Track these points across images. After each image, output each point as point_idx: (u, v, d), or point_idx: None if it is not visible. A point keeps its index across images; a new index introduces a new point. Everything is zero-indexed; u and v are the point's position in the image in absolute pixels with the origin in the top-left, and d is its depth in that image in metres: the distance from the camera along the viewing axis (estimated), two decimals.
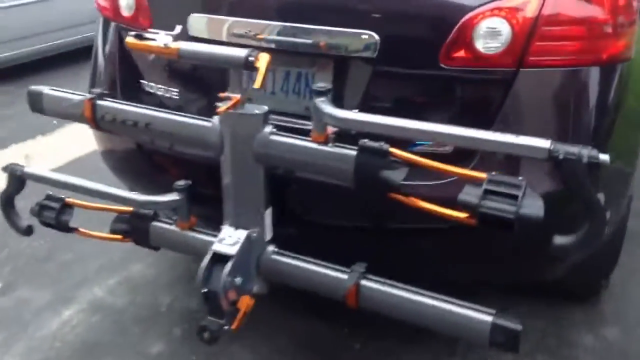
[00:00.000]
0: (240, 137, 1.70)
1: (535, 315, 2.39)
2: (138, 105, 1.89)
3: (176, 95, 2.06)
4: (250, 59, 1.59)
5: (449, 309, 1.61)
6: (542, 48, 1.64)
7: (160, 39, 1.66)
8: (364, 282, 1.70)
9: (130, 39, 1.72)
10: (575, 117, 1.69)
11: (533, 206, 1.36)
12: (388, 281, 1.70)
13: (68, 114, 1.98)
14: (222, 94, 1.64)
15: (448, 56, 1.67)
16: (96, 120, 1.91)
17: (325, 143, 1.62)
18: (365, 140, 1.56)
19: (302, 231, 1.98)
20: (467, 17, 1.64)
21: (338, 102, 1.80)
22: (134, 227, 2.02)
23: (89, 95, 1.91)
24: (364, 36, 1.71)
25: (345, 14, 1.78)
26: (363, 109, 1.78)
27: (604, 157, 1.31)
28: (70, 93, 1.98)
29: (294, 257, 1.81)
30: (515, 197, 1.37)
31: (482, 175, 1.43)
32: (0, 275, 2.75)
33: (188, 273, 2.63)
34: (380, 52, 1.72)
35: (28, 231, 2.15)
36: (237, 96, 1.62)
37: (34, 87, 2.02)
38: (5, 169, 2.08)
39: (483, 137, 1.41)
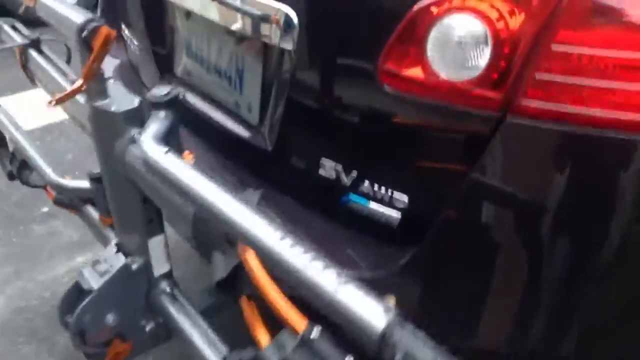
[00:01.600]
0: (105, 137, 1.20)
1: None
2: None
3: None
4: (84, 33, 1.06)
5: None
6: (555, 88, 0.82)
7: None
8: None
9: None
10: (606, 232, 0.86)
11: None
12: None
13: None
14: (69, 75, 1.15)
15: (389, 71, 0.94)
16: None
17: None
18: None
19: None
20: (419, 6, 0.88)
21: (263, 110, 1.21)
22: (73, 204, 1.69)
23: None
24: (275, 13, 1.05)
25: None
26: (284, 126, 1.16)
27: None
28: None
29: (178, 305, 1.32)
30: None
31: (300, 326, 0.76)
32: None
33: None
34: (299, 43, 1.05)
35: (10, 176, 1.95)
36: (79, 82, 1.12)
37: None
38: None
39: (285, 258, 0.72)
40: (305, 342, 0.74)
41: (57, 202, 1.73)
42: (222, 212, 0.79)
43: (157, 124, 0.98)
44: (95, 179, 1.45)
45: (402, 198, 1.01)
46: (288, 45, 1.06)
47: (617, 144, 0.81)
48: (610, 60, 0.78)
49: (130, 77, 1.58)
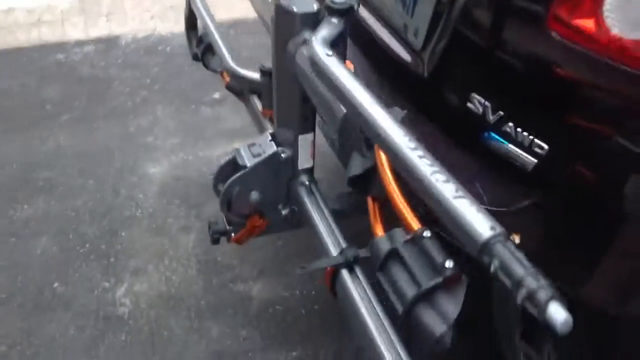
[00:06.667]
0: (281, 35, 1.34)
1: None
2: None
3: None
4: None
5: None
6: None
7: None
8: (344, 272, 1.29)
9: None
10: None
11: (439, 315, 0.79)
12: (366, 289, 1.24)
13: None
14: None
15: (559, 17, 0.97)
16: None
17: None
18: None
19: None
20: None
21: (429, 37, 1.28)
22: (241, 92, 1.89)
23: None
24: None
25: None
26: (444, 56, 1.23)
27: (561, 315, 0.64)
28: None
29: (313, 198, 1.47)
30: (418, 284, 0.80)
31: (415, 226, 0.86)
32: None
33: None
34: None
35: (195, 57, 2.18)
36: None
37: None
38: None
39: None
40: (415, 239, 0.84)
41: (229, 87, 1.92)
42: (369, 116, 0.90)
43: (328, 28, 1.08)
44: (265, 72, 1.60)
45: (542, 146, 1.04)
46: None
47: None
48: None
49: None
